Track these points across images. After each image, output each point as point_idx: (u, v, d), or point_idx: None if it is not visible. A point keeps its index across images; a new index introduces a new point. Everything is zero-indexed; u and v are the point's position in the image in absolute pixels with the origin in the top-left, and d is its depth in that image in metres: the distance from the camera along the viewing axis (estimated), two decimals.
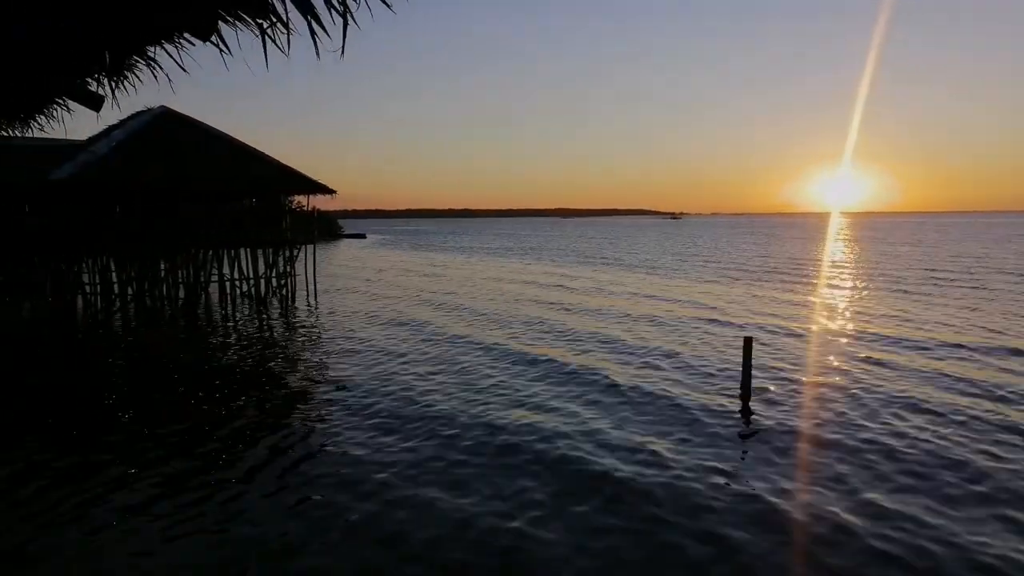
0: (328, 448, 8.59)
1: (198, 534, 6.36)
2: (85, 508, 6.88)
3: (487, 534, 6.25)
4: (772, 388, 11.11)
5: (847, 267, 35.76)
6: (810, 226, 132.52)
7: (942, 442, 8.51)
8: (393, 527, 6.39)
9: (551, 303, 21.90)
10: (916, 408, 9.95)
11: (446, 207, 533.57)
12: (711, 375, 12.04)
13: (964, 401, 10.30)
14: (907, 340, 14.99)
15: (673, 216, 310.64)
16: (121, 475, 7.70)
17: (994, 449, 8.28)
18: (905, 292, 23.87)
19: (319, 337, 16.33)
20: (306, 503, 6.98)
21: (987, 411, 9.79)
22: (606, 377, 11.92)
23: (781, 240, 71.00)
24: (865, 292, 24.31)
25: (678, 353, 13.83)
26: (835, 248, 54.74)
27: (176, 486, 7.39)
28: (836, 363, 12.95)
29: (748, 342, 11.13)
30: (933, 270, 32.18)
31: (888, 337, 15.38)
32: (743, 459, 8.09)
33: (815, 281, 28.76)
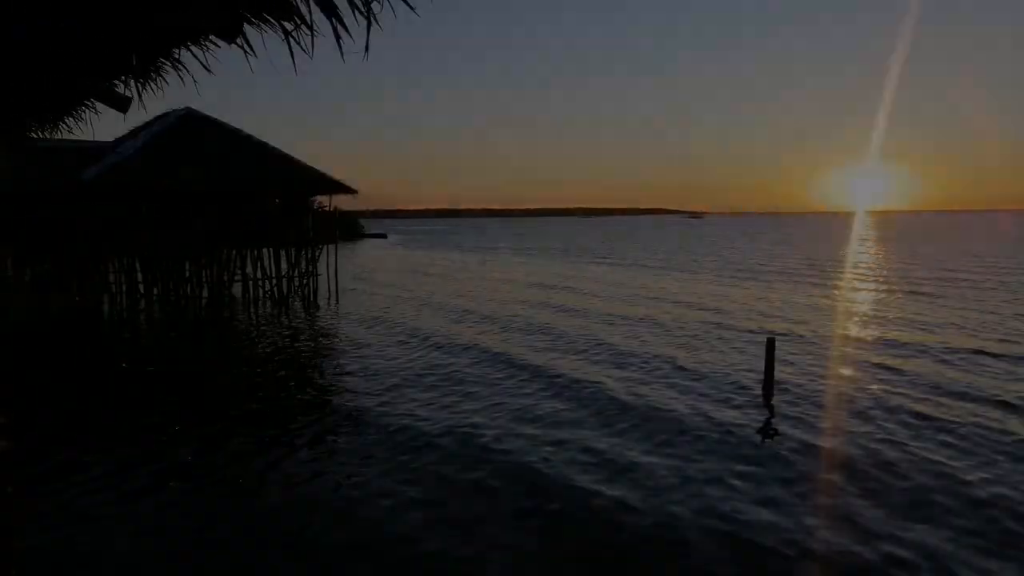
0: (326, 446, 8.67)
1: (190, 537, 6.38)
2: (82, 503, 6.96)
3: (440, 553, 6.00)
4: (794, 397, 10.62)
5: (873, 269, 35.24)
6: (834, 225, 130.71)
7: (990, 470, 7.67)
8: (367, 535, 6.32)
9: (565, 307, 21.72)
10: (957, 432, 8.99)
11: (468, 207, 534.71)
12: (733, 382, 11.61)
13: (998, 417, 9.90)
14: (934, 348, 14.71)
15: (694, 215, 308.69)
16: (115, 471, 7.79)
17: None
18: (924, 295, 23.44)
19: (336, 338, 16.41)
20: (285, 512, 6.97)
21: None
22: (610, 386, 11.34)
23: (801, 240, 70.15)
24: (894, 295, 23.96)
25: (692, 359, 13.39)
26: (859, 249, 53.91)
27: (170, 486, 7.46)
28: (861, 374, 12.67)
29: (771, 343, 10.85)
30: (954, 271, 31.61)
31: (918, 345, 15.04)
32: (756, 479, 7.44)
33: (836, 283, 28.38)
